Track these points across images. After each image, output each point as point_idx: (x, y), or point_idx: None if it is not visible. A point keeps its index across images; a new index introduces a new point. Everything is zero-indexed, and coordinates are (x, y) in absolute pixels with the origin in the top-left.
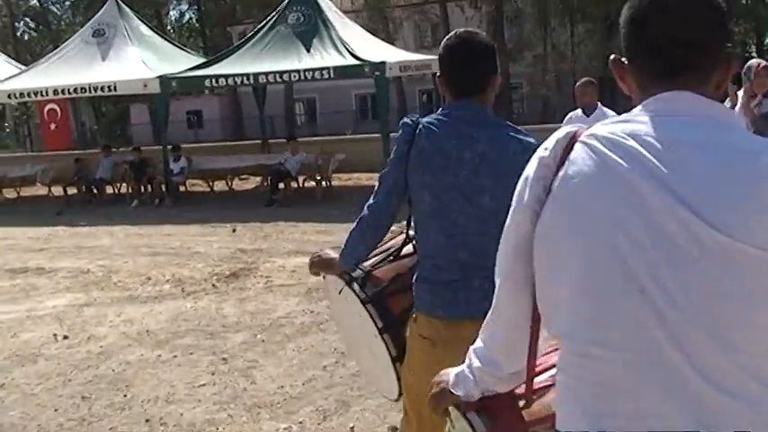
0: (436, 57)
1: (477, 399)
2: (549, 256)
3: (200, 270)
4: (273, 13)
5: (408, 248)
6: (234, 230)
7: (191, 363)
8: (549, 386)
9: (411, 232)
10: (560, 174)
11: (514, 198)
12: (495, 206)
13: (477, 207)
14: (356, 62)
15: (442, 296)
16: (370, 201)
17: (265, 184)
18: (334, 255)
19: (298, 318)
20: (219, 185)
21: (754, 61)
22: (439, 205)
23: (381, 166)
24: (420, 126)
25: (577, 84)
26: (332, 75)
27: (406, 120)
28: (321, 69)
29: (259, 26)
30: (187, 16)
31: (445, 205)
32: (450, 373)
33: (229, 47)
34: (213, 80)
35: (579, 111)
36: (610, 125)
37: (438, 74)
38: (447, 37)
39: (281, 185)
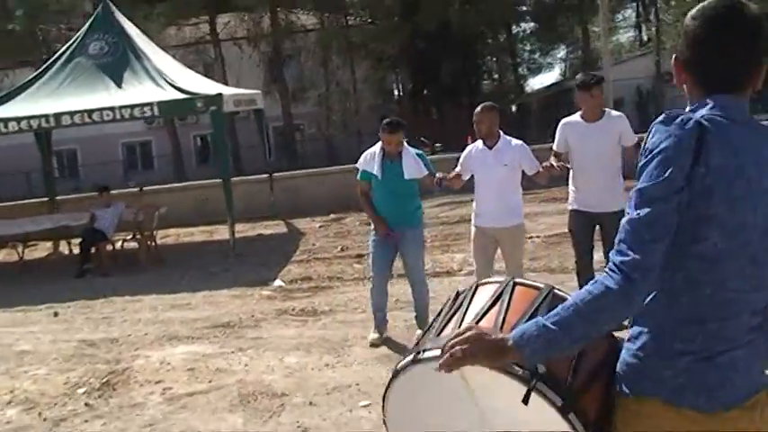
0: (259, 91)
1: None
2: None
3: (48, 379)
4: (70, 43)
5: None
6: (56, 314)
7: None
8: None
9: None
10: None
11: None
12: None
13: (764, 251)
14: (184, 96)
15: (706, 378)
16: (631, 255)
17: (59, 248)
18: (504, 335)
19: None
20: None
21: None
22: (731, 248)
23: (207, 218)
24: (707, 129)
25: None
26: (156, 111)
27: (679, 118)
28: (142, 106)
29: (53, 58)
30: None
31: (738, 249)
32: None
33: None
34: (1, 125)
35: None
36: None
37: (678, 57)
38: (705, 5)
39: (93, 249)
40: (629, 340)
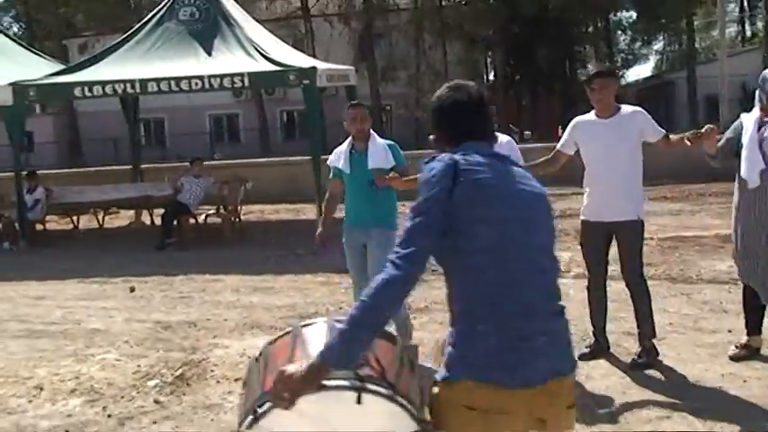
0: (352, 67)
1: None
2: None
3: (117, 366)
4: (160, 7)
5: None
6: (132, 290)
7: None
8: None
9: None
10: None
11: None
12: (549, 241)
13: (536, 240)
14: (277, 68)
15: (508, 358)
16: (401, 252)
17: (140, 218)
18: (308, 359)
19: None
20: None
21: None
22: (500, 238)
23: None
24: (460, 161)
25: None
26: (246, 82)
27: (439, 157)
28: (232, 76)
29: (141, 23)
30: (13, 29)
31: (507, 238)
32: None
33: (68, 61)
34: (86, 88)
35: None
36: None
37: (435, 129)
38: (444, 93)
39: (175, 222)
40: (449, 336)
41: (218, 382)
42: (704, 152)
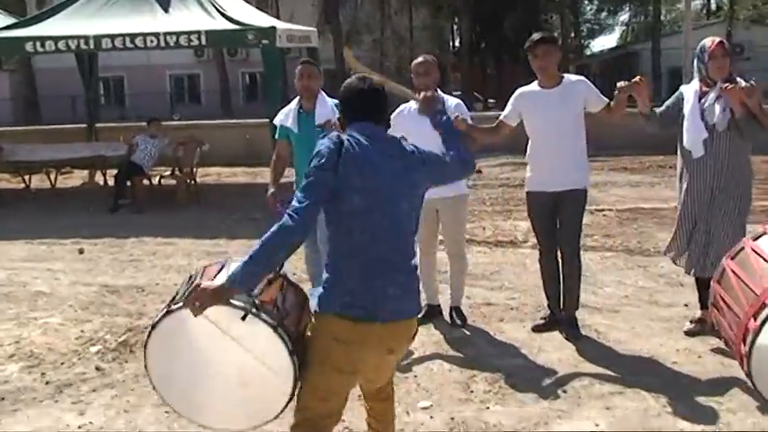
0: (314, 29)
1: None
2: None
3: (60, 331)
4: None
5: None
6: (81, 251)
7: None
8: None
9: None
10: None
11: None
12: (409, 210)
13: (397, 209)
14: (235, 27)
15: (361, 297)
16: (296, 206)
17: (94, 178)
18: (219, 282)
19: None
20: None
21: (707, 40)
22: (368, 206)
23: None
24: (345, 139)
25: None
26: (203, 41)
27: (330, 136)
28: (189, 33)
29: None
30: None
31: (373, 206)
32: None
33: (25, 16)
34: (38, 43)
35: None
36: None
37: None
38: (349, 85)
39: (128, 183)
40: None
41: None
42: (639, 112)
